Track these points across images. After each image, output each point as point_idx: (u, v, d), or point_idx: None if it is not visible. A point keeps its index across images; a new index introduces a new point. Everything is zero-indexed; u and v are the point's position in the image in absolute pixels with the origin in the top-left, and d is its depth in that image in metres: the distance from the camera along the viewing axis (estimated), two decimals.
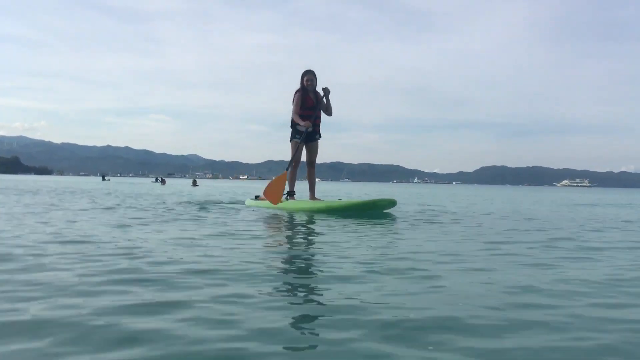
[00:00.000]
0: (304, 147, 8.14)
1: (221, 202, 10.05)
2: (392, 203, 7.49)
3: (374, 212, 7.33)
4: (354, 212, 7.11)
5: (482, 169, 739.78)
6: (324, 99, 8.12)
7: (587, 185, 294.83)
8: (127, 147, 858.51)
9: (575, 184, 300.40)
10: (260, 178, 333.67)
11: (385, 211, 7.59)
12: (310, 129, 8.00)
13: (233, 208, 8.25)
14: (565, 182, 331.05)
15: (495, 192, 35.63)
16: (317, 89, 8.14)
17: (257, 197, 9.54)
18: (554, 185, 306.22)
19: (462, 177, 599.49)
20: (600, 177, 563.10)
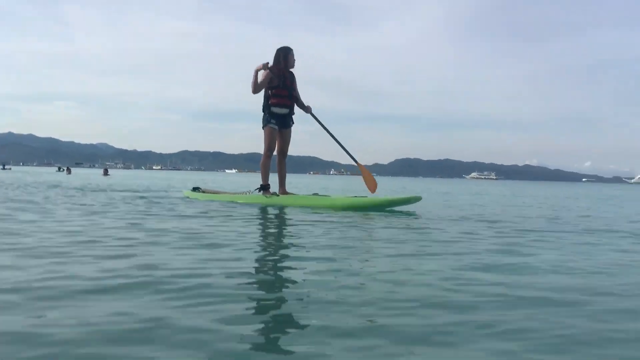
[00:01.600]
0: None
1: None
2: (418, 199, 6.91)
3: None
4: (376, 209, 6.61)
5: (397, 161, 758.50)
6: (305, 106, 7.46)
7: (494, 178, 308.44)
8: (30, 135, 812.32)
9: (483, 177, 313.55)
10: (174, 168, 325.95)
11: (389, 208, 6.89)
12: (285, 111, 7.25)
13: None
14: (473, 174, 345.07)
15: (417, 184, 35.92)
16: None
17: (196, 189, 8.77)
18: (464, 177, 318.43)
19: (378, 169, 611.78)
20: (506, 170, 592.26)
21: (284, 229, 4.63)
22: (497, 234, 4.49)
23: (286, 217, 5.60)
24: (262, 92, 7.20)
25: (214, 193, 8.37)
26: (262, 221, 5.27)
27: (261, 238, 3.95)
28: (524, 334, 1.68)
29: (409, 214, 6.38)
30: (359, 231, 4.41)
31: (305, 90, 7.46)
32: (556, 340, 1.62)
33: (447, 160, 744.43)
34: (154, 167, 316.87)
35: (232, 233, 3.95)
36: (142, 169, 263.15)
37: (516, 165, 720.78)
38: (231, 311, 1.85)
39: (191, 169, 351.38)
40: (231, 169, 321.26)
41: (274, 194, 7.28)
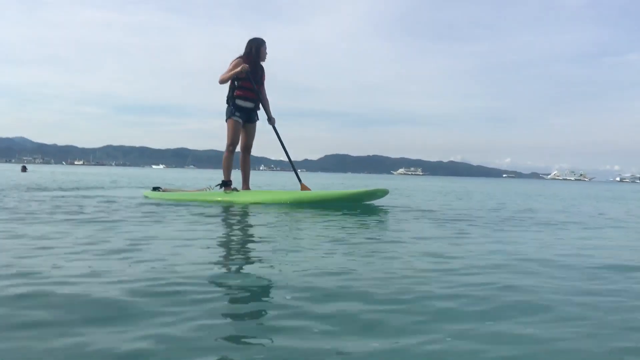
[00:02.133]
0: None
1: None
2: (385, 193, 6.81)
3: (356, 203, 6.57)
4: (342, 203, 6.33)
5: (326, 157, 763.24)
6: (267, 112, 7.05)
7: (420, 173, 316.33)
8: None
9: (410, 173, 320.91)
10: (98, 163, 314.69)
11: (366, 202, 6.83)
12: (250, 105, 6.88)
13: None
14: (401, 170, 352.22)
15: (348, 179, 36.27)
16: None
17: (156, 189, 8.12)
18: (392, 173, 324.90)
19: (307, 165, 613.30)
20: (431, 166, 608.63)
21: (257, 227, 4.33)
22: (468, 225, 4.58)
23: (255, 214, 5.33)
24: (228, 82, 6.85)
25: (176, 191, 7.88)
26: (233, 221, 4.94)
27: (236, 241, 3.67)
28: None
29: (375, 208, 6.37)
30: (330, 228, 4.28)
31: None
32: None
33: (375, 156, 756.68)
34: (75, 162, 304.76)
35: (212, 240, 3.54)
36: (62, 164, 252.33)
37: (441, 162, 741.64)
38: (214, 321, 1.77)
39: (116, 164, 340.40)
40: (158, 165, 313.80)
41: (234, 189, 6.92)
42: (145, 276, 2.28)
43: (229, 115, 6.76)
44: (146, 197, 7.62)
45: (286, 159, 7.32)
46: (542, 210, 7.61)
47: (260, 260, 2.81)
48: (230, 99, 6.78)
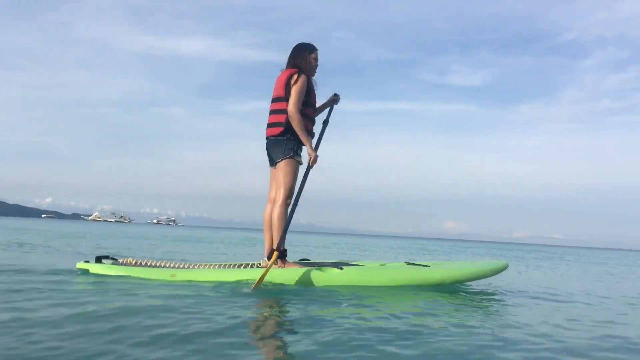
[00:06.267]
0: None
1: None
2: (505, 267, 4.88)
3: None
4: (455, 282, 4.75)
5: None
6: (328, 109, 4.99)
7: None
8: None
9: None
10: None
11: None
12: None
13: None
14: None
15: None
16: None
17: (100, 259, 4.91)
18: None
19: None
20: None
21: None
22: None
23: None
24: (276, 105, 4.63)
25: (147, 267, 4.76)
26: None
27: None
28: None
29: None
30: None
31: None
32: None
33: None
34: None
35: None
36: None
37: None
38: None
39: None
40: None
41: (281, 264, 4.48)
42: None
43: (288, 153, 4.55)
44: (85, 271, 4.80)
45: None
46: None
47: None
48: (290, 130, 4.54)
